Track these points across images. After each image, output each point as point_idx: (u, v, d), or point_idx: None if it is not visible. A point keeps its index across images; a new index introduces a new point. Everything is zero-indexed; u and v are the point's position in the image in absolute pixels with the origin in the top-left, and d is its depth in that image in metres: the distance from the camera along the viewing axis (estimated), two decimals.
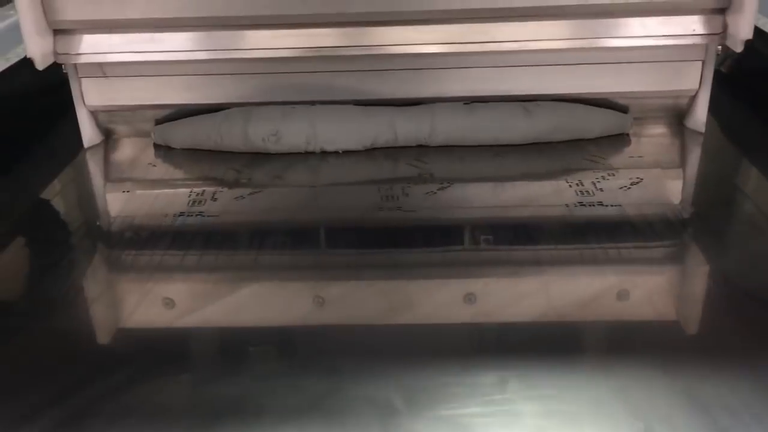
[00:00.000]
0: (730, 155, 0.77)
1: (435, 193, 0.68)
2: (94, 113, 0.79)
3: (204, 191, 0.69)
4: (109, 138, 0.81)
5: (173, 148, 0.78)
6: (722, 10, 0.71)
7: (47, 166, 0.77)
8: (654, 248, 0.59)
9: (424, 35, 0.71)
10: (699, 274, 0.57)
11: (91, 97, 0.77)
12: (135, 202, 0.68)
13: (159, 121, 0.79)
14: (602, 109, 0.77)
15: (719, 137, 0.79)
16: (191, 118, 0.77)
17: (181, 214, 0.65)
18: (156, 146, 0.79)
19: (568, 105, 0.76)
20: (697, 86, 0.76)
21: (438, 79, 0.76)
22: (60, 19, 0.71)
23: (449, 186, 0.69)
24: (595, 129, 0.77)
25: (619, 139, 0.78)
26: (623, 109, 0.78)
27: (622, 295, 0.53)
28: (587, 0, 0.70)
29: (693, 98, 0.77)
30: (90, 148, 0.79)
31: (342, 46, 0.71)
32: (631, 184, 0.68)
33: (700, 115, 0.77)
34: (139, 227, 0.64)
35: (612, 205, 0.64)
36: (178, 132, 0.77)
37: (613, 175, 0.70)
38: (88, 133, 0.79)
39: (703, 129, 0.78)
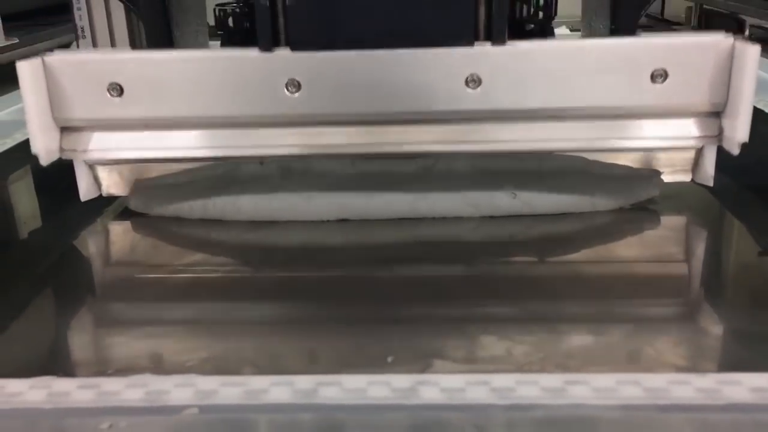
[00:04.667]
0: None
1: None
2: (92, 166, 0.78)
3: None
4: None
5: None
6: (717, 114, 0.72)
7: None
8: (665, 306, 0.60)
9: (421, 135, 0.73)
10: (714, 336, 0.56)
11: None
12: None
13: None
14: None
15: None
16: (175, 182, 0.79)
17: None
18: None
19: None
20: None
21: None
22: (67, 116, 0.72)
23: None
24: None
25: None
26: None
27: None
28: (576, 103, 0.71)
29: None
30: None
31: (341, 144, 0.73)
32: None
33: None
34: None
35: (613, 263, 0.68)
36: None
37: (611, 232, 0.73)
38: (85, 186, 0.78)
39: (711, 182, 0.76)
